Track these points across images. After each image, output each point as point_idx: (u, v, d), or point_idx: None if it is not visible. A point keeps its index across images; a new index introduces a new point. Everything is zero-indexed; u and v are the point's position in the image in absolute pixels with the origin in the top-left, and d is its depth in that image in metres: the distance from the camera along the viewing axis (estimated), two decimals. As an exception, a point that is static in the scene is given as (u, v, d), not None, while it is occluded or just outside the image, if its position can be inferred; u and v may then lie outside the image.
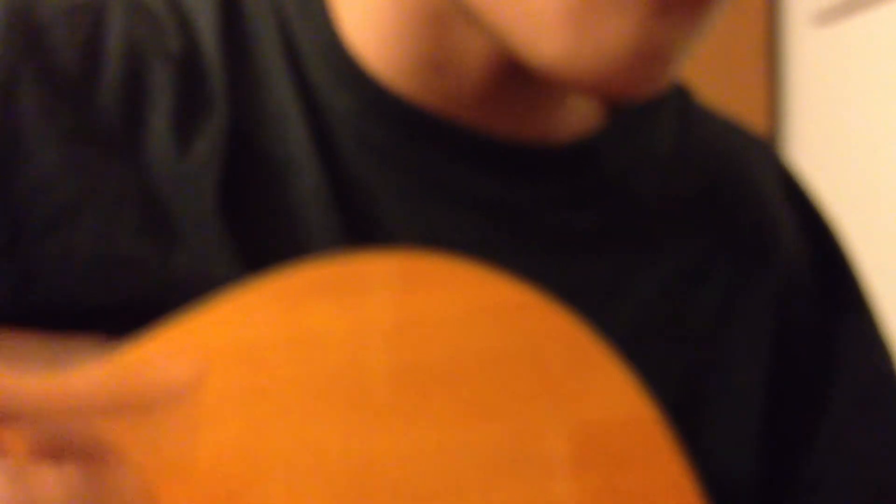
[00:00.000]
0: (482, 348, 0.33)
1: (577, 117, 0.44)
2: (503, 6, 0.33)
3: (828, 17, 1.41)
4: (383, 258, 0.33)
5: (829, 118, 1.44)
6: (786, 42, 1.56)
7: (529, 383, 0.33)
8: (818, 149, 1.47)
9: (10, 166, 0.36)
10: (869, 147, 1.31)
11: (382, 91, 0.40)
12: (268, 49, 0.41)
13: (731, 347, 0.44)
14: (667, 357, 0.42)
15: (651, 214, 0.44)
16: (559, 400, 0.33)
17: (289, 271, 0.33)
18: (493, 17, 0.34)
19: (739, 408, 0.43)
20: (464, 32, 0.38)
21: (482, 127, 0.41)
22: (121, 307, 0.35)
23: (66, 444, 0.29)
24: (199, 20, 0.41)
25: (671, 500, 0.33)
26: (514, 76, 0.39)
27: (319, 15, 0.41)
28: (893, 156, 1.25)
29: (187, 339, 0.32)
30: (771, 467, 0.44)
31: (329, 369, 0.32)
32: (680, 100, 0.48)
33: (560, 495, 0.32)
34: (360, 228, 0.39)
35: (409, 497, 0.31)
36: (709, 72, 1.47)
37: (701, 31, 0.34)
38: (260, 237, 0.38)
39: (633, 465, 0.33)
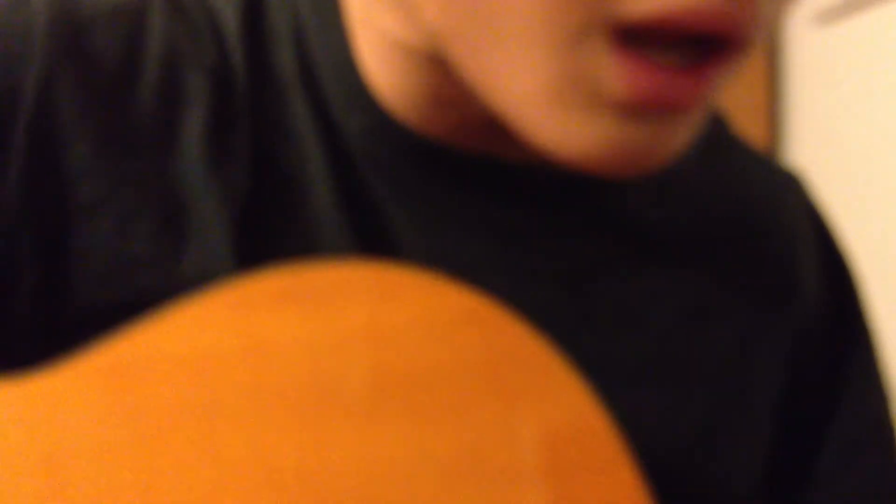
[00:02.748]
0: (441, 358, 0.32)
1: None
2: (495, 89, 0.32)
3: (828, 17, 1.40)
4: (343, 268, 0.33)
5: (829, 118, 1.44)
6: (786, 42, 1.56)
7: (489, 393, 0.32)
8: (818, 149, 1.47)
9: (46, 161, 0.37)
10: (869, 147, 1.31)
11: (389, 116, 0.40)
12: (286, 64, 0.41)
13: (745, 383, 0.43)
14: (679, 389, 0.41)
15: (668, 241, 0.43)
16: (518, 410, 0.32)
17: (249, 279, 0.33)
18: (488, 98, 0.33)
19: (750, 443, 0.43)
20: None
21: (489, 154, 0.40)
22: (129, 307, 0.35)
23: None
24: (226, 27, 0.41)
25: None
26: None
27: (336, 33, 0.41)
28: (893, 156, 1.24)
29: (143, 348, 0.31)
30: (772, 500, 0.44)
31: (286, 378, 0.31)
32: (709, 127, 0.46)
33: None
34: (372, 249, 0.39)
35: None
36: (708, 72, 1.46)
37: (691, 126, 0.33)
38: (272, 253, 0.38)
39: (589, 474, 0.32)
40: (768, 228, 0.46)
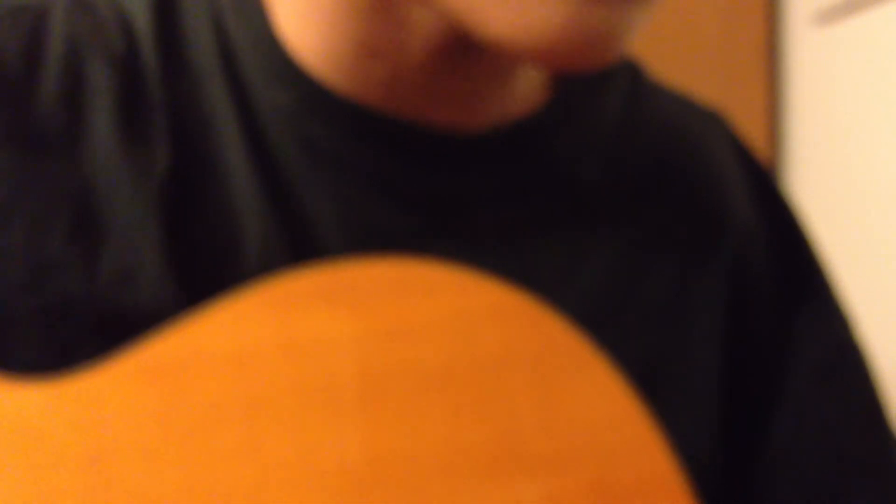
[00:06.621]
0: (474, 352, 0.33)
1: (520, 99, 0.43)
2: None
3: (828, 17, 1.40)
4: (379, 266, 0.33)
5: (829, 118, 1.44)
6: (786, 42, 1.56)
7: (524, 387, 0.33)
8: (818, 149, 1.47)
9: None
10: (869, 147, 1.31)
11: (318, 87, 0.40)
12: (203, 49, 0.40)
13: (687, 322, 0.43)
14: (624, 336, 0.41)
15: (598, 194, 0.44)
16: (555, 404, 0.33)
17: (286, 278, 0.33)
18: (441, 3, 0.34)
19: (699, 381, 0.43)
20: (407, 12, 0.38)
21: (421, 118, 0.40)
22: (49, 310, 0.35)
23: None
24: (136, 21, 0.41)
25: (660, 492, 0.33)
26: (456, 57, 0.38)
27: (253, 10, 0.41)
28: (893, 156, 1.25)
29: (184, 347, 0.31)
30: (731, 440, 0.44)
31: (325, 375, 0.32)
32: (628, 76, 0.47)
33: (540, 495, 0.32)
34: (294, 226, 0.39)
35: (402, 496, 0.31)
36: (709, 72, 1.47)
37: (644, 14, 0.34)
38: (194, 237, 0.38)
39: (620, 461, 0.33)
40: (694, 170, 0.46)
